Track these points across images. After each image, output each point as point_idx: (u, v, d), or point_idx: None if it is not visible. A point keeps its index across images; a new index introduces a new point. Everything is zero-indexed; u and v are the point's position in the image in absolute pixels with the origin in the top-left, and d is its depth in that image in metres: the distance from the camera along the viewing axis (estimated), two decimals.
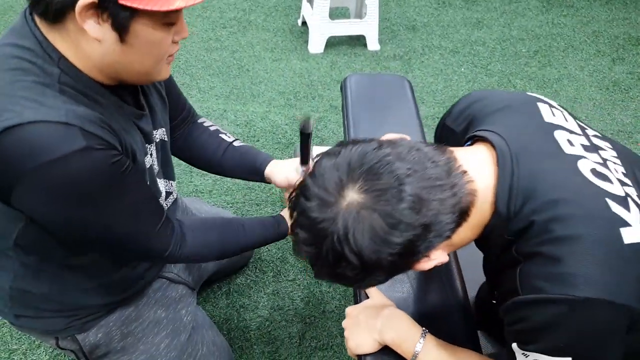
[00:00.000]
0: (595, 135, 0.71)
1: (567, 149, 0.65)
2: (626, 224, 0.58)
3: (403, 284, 0.92)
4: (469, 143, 0.71)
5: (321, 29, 2.55)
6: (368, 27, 2.59)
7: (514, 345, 0.64)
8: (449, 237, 0.60)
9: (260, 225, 0.99)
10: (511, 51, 2.68)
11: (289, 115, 2.18)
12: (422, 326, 0.79)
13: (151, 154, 0.88)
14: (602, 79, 2.49)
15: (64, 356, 1.33)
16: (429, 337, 0.77)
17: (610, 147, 0.70)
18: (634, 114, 2.28)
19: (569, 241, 0.57)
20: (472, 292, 0.99)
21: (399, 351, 0.79)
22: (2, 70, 0.66)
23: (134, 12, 0.65)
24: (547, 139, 0.66)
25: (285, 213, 1.02)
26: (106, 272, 0.92)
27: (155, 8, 0.65)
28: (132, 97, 0.83)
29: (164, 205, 0.97)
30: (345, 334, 0.84)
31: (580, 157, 0.64)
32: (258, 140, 2.05)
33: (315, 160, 0.61)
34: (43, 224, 0.74)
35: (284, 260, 1.61)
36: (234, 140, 1.11)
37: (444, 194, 0.57)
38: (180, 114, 1.06)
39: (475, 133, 0.69)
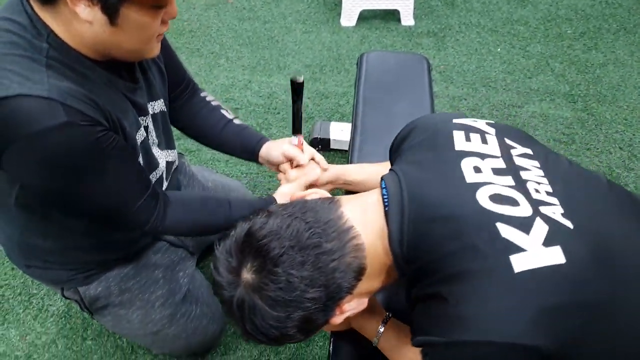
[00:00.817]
0: (523, 155, 0.67)
1: (470, 178, 0.62)
2: (519, 249, 0.53)
3: None
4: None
5: (354, 1, 2.49)
6: (403, 1, 2.50)
7: None
8: (350, 293, 0.61)
9: (248, 205, 0.99)
10: (555, 32, 2.51)
11: (312, 89, 2.17)
12: (389, 310, 0.80)
13: (146, 127, 0.90)
14: None
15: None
16: (392, 321, 0.78)
17: (538, 166, 0.66)
18: None
19: (455, 279, 0.55)
20: None
21: (363, 333, 0.81)
22: None
23: None
24: (450, 170, 0.64)
25: (278, 194, 1.03)
26: (102, 234, 0.97)
27: None
28: (126, 71, 0.84)
29: (161, 174, 1.01)
30: None
31: (484, 184, 0.61)
32: (279, 113, 2.06)
33: (216, 243, 0.63)
34: (29, 190, 0.78)
35: None
36: (233, 118, 1.13)
37: (326, 260, 0.58)
38: (179, 86, 1.08)
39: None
